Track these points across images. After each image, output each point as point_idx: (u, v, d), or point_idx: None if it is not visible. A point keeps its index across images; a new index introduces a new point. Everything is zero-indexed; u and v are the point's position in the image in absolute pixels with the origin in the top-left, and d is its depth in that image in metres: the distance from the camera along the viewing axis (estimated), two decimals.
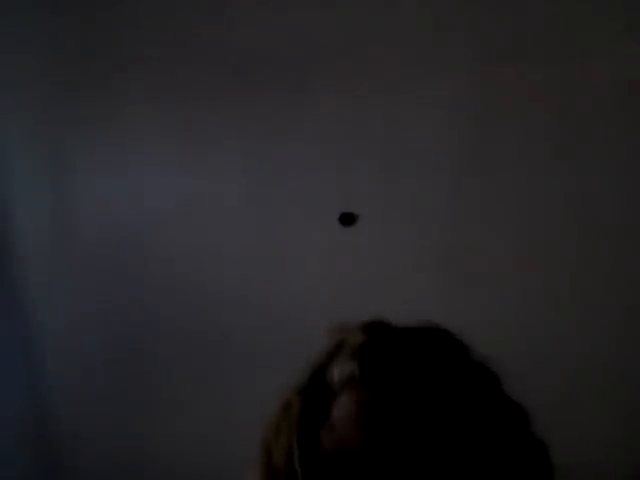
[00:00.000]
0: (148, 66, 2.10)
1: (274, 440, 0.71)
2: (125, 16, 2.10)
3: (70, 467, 2.41)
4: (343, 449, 0.64)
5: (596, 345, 1.71)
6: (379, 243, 1.89)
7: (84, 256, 2.28)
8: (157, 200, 2.15)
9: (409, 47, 1.80)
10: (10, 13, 2.23)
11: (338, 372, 0.68)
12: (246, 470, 0.72)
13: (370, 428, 0.63)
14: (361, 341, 0.70)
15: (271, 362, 1.83)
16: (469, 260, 1.81)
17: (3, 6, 2.23)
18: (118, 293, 2.26)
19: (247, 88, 1.98)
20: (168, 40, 2.05)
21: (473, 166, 1.79)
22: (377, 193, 1.89)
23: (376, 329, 0.72)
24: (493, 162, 1.77)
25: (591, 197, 1.69)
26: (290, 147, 1.97)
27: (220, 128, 2.04)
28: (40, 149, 2.30)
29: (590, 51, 1.64)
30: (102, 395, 2.31)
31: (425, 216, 1.84)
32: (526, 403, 0.68)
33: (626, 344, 1.69)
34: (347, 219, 1.91)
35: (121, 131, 2.17)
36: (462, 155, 1.79)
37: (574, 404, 1.69)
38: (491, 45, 1.72)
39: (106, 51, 2.14)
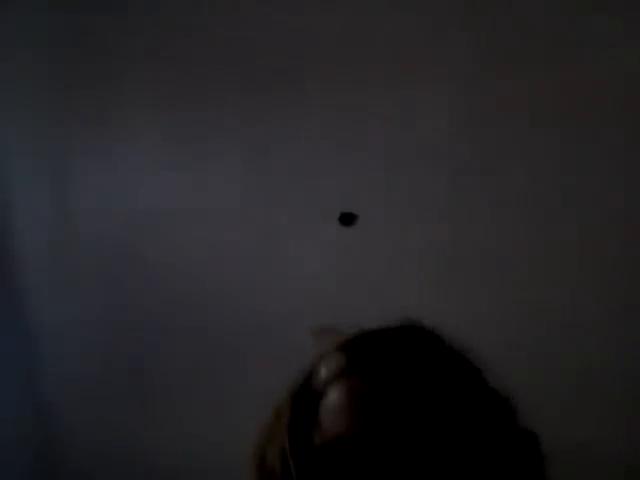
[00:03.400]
0: (148, 66, 2.10)
1: (267, 444, 0.72)
2: (125, 17, 2.10)
3: (70, 467, 2.41)
4: (335, 438, 0.64)
5: (597, 344, 1.71)
6: (379, 243, 1.89)
7: (84, 256, 2.29)
8: (157, 200, 2.15)
9: (409, 47, 1.80)
10: (10, 13, 2.23)
11: (326, 368, 0.70)
12: (242, 475, 0.72)
13: (361, 412, 0.64)
14: (348, 338, 0.72)
15: (271, 362, 1.83)
16: (469, 260, 1.81)
17: (3, 6, 2.23)
18: (117, 293, 2.26)
19: (247, 88, 1.98)
20: (168, 40, 2.05)
21: (473, 166, 1.79)
22: (377, 193, 1.89)
23: (362, 331, 0.73)
24: (493, 162, 1.77)
25: (591, 197, 1.69)
26: (290, 147, 1.97)
27: (220, 128, 2.04)
28: (40, 149, 2.30)
29: (590, 51, 1.64)
30: (102, 395, 2.31)
31: (425, 216, 1.84)
32: (519, 397, 0.69)
33: (627, 344, 1.69)
34: (347, 219, 1.91)
35: (121, 131, 2.17)
36: (462, 155, 1.79)
37: (574, 403, 1.69)
38: (491, 45, 1.72)
39: (106, 51, 2.14)
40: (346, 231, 1.91)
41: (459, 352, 0.71)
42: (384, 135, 1.86)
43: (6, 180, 2.32)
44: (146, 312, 2.22)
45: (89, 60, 2.17)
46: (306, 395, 0.70)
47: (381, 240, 1.89)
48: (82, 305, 2.31)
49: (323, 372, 0.70)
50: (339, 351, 0.70)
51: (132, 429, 2.28)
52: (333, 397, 0.67)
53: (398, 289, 1.83)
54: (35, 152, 2.30)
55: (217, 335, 2.12)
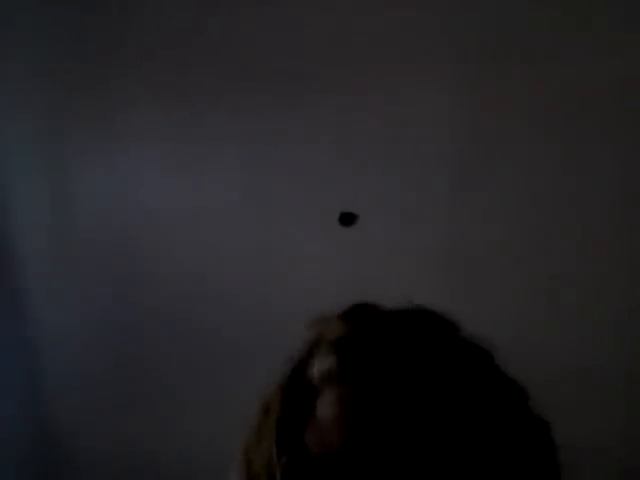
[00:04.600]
0: (148, 66, 2.10)
1: (255, 446, 0.67)
2: (125, 16, 2.10)
3: (70, 467, 2.41)
4: (327, 452, 0.59)
5: (597, 344, 1.71)
6: (379, 243, 1.89)
7: (84, 256, 2.29)
8: (157, 200, 2.15)
9: (409, 47, 1.80)
10: (10, 12, 2.23)
11: (317, 368, 0.64)
12: (228, 474, 0.69)
13: (352, 427, 0.59)
14: (340, 333, 0.65)
15: (271, 362, 1.83)
16: (469, 260, 1.81)
17: (3, 6, 2.23)
18: (117, 293, 2.26)
19: (247, 88, 1.98)
20: (168, 40, 2.05)
21: (473, 166, 1.79)
22: (377, 193, 1.89)
23: (357, 318, 0.67)
24: (493, 162, 1.77)
25: (591, 197, 1.69)
26: (290, 147, 1.97)
27: (220, 128, 2.04)
28: (40, 149, 2.30)
29: (590, 51, 1.64)
30: (102, 395, 2.31)
31: (425, 216, 1.84)
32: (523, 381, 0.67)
33: (627, 343, 1.69)
34: (347, 219, 1.91)
35: (121, 131, 2.17)
36: (462, 155, 1.79)
37: (573, 403, 1.69)
38: (491, 45, 1.72)
39: (106, 51, 2.14)
40: (346, 231, 1.91)
41: (467, 337, 0.66)
42: (384, 135, 1.86)
43: (6, 180, 2.32)
44: (146, 312, 2.22)
45: (89, 60, 2.17)
46: (296, 390, 0.65)
47: (381, 240, 1.89)
48: (82, 305, 2.31)
49: (315, 371, 0.65)
50: (331, 349, 0.64)
51: (132, 429, 2.28)
52: (322, 406, 0.62)
53: (398, 289, 1.83)
54: (35, 152, 2.30)
55: (217, 335, 2.12)
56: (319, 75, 1.90)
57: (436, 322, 0.67)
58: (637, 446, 1.69)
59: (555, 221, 1.73)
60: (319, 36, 1.88)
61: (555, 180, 1.72)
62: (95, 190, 2.24)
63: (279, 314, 2.00)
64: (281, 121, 1.96)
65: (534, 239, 1.75)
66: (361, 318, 0.67)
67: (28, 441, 2.38)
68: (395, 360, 0.61)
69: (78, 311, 2.32)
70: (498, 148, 1.76)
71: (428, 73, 1.79)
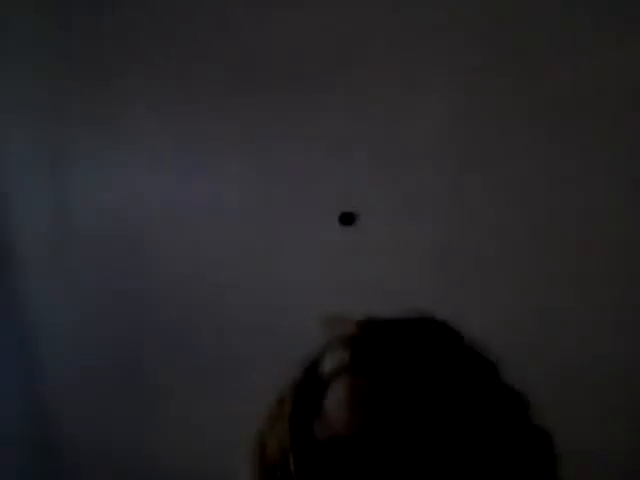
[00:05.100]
0: (148, 67, 2.10)
1: (268, 435, 0.71)
2: (125, 17, 2.10)
3: (70, 467, 2.41)
4: (336, 437, 0.63)
5: (597, 345, 1.71)
6: (379, 243, 1.89)
7: (84, 256, 2.29)
8: (157, 200, 2.15)
9: (409, 47, 1.80)
10: (10, 14, 2.23)
11: (329, 362, 0.68)
12: (241, 465, 0.72)
13: (362, 412, 0.63)
14: (353, 332, 0.70)
15: (271, 362, 1.83)
16: (469, 260, 1.81)
17: (3, 7, 2.23)
18: (117, 293, 2.26)
19: (247, 88, 1.98)
20: (168, 41, 2.06)
21: (473, 165, 1.79)
22: (377, 193, 1.89)
23: (370, 322, 0.72)
24: (493, 162, 1.77)
25: (591, 196, 1.69)
26: (290, 147, 1.97)
27: (220, 128, 2.04)
28: (40, 149, 2.30)
29: (590, 51, 1.64)
30: (102, 395, 2.31)
31: (425, 216, 1.84)
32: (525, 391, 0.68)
33: (626, 343, 1.69)
34: (347, 219, 1.91)
35: (121, 131, 2.17)
36: (462, 155, 1.79)
37: (573, 403, 1.69)
38: (491, 45, 1.72)
39: (106, 51, 2.14)
40: (346, 231, 1.91)
41: (471, 346, 0.69)
42: (384, 135, 1.86)
43: (6, 180, 2.32)
44: (146, 312, 2.22)
45: (89, 61, 2.17)
46: (309, 384, 0.69)
47: (381, 240, 1.89)
48: (82, 305, 2.31)
49: (326, 366, 0.69)
50: (343, 346, 0.69)
51: (132, 429, 2.28)
52: (334, 394, 0.66)
53: (398, 289, 1.83)
54: (35, 152, 2.30)
55: (217, 335, 2.12)
56: (319, 75, 1.90)
57: (442, 328, 0.71)
58: (637, 446, 1.69)
59: (555, 221, 1.73)
60: (319, 36, 1.88)
61: (555, 180, 1.72)
62: (95, 190, 2.24)
63: (279, 314, 2.00)
64: (281, 121, 1.96)
65: (534, 239, 1.75)
66: (371, 322, 0.71)
67: (28, 441, 2.38)
68: (403, 356, 0.65)
69: (78, 311, 2.32)
70: (497, 148, 1.76)
71: (428, 73, 1.79)
